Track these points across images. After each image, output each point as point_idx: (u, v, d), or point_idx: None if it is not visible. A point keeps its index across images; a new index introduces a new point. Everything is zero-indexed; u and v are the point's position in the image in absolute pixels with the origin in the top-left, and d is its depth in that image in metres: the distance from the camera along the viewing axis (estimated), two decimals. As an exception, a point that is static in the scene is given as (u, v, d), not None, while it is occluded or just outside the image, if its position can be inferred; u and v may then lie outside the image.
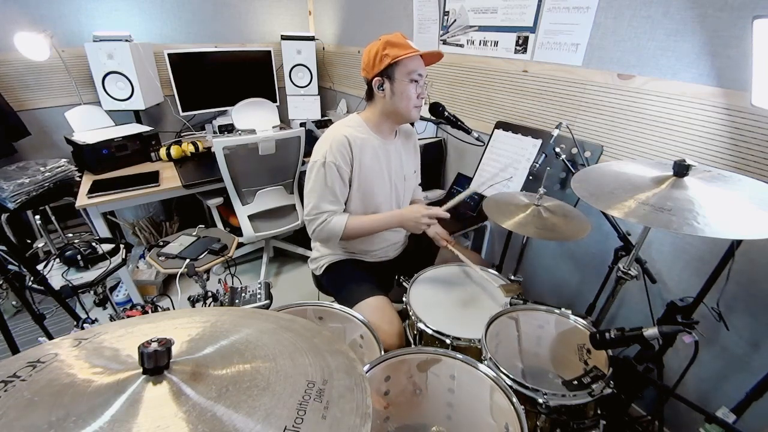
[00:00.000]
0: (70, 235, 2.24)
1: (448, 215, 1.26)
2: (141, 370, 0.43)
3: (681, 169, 0.86)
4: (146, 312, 1.12)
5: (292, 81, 2.76)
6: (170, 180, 1.95)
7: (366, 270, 1.41)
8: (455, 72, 1.94)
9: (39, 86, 2.21)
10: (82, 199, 1.72)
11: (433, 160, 2.11)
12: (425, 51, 1.21)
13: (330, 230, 1.25)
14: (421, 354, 0.97)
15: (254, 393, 0.43)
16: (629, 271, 1.10)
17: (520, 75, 1.64)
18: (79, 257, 1.27)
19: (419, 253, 1.55)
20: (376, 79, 1.21)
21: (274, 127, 2.41)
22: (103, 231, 1.81)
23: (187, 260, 1.27)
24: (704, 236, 0.71)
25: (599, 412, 0.94)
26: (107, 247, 1.36)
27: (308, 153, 2.21)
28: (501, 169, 1.61)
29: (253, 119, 2.41)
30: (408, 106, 1.23)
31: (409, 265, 1.43)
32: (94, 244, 1.34)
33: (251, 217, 2.08)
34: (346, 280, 1.39)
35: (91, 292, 1.29)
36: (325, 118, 2.79)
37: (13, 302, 2.00)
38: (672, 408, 1.33)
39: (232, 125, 2.47)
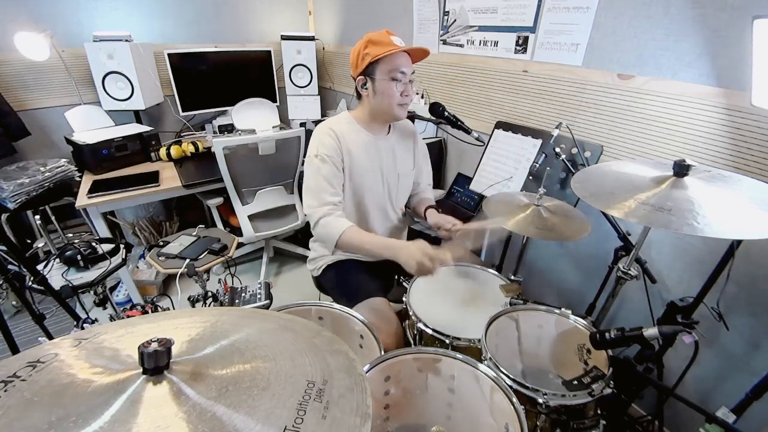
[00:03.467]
0: (70, 235, 2.25)
1: (452, 262, 1.06)
2: (141, 370, 0.43)
3: (681, 169, 0.86)
4: (146, 312, 1.12)
5: (292, 81, 2.76)
6: (170, 180, 1.95)
7: (365, 270, 1.40)
8: (455, 72, 1.94)
9: (39, 86, 2.21)
10: (82, 199, 1.72)
11: (433, 160, 2.10)
12: (406, 47, 1.18)
13: (329, 230, 1.20)
14: (421, 354, 0.97)
15: (254, 393, 0.43)
16: (629, 271, 1.10)
17: (520, 75, 1.64)
18: (79, 257, 1.27)
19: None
20: (359, 78, 1.21)
21: (274, 127, 2.41)
22: (103, 231, 1.81)
23: (187, 260, 1.27)
24: (704, 236, 0.71)
25: (599, 412, 0.94)
26: (107, 247, 1.36)
27: (308, 153, 2.22)
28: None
29: (253, 119, 2.41)
30: (391, 104, 1.22)
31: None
32: (94, 244, 1.34)
33: (251, 217, 2.08)
34: (344, 281, 1.38)
35: (91, 292, 1.29)
36: (325, 117, 2.78)
37: (13, 302, 2.00)
38: (672, 408, 1.33)
39: (232, 125, 2.47)
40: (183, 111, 2.51)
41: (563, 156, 1.34)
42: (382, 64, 1.16)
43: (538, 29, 1.51)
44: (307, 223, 2.25)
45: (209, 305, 1.19)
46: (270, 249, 2.53)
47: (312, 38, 2.72)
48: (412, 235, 1.58)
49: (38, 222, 1.33)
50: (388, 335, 1.16)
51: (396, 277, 1.35)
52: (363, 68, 1.18)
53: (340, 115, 1.32)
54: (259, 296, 1.20)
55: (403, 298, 1.22)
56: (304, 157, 2.06)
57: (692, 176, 0.86)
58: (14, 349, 1.17)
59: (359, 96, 1.28)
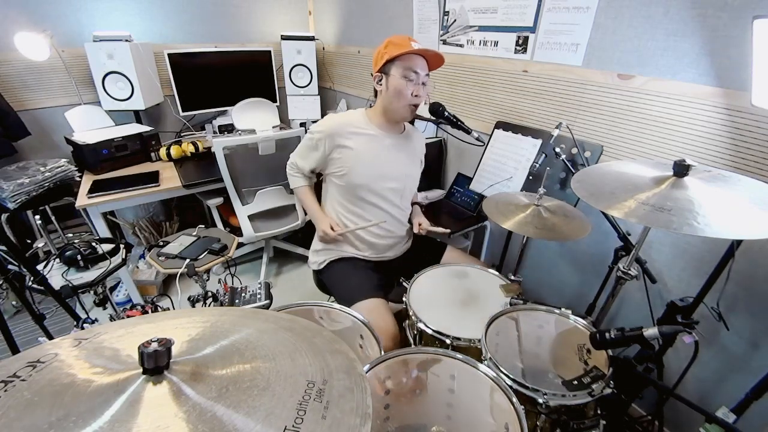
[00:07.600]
0: (70, 235, 2.24)
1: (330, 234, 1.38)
2: (141, 370, 0.43)
3: (681, 169, 0.86)
4: (146, 312, 1.12)
5: (292, 81, 2.75)
6: (170, 180, 1.95)
7: (367, 269, 1.41)
8: (455, 72, 1.94)
9: (39, 86, 2.20)
10: (82, 199, 1.72)
11: (433, 160, 2.10)
12: (421, 49, 1.22)
13: (290, 181, 1.49)
14: (421, 354, 0.97)
15: (254, 393, 0.43)
16: (629, 271, 1.10)
17: (520, 75, 1.63)
18: (79, 257, 1.26)
19: (423, 255, 1.54)
20: (376, 74, 1.29)
21: (274, 127, 2.40)
22: (103, 231, 1.81)
23: (187, 260, 1.27)
24: (704, 236, 0.71)
25: (599, 412, 0.94)
26: (107, 247, 1.36)
27: (308, 153, 2.22)
28: None
29: (253, 119, 2.40)
30: (400, 102, 1.27)
31: (412, 267, 1.42)
32: (94, 244, 1.34)
33: (251, 217, 2.08)
34: (345, 280, 1.39)
35: (91, 292, 1.28)
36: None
37: (13, 302, 2.00)
38: (672, 408, 1.33)
39: (232, 125, 2.47)
40: (183, 111, 2.51)
41: (563, 156, 1.34)
42: (398, 62, 1.24)
43: (538, 29, 1.51)
44: (308, 223, 2.27)
45: (209, 305, 1.19)
46: (270, 249, 2.53)
47: (312, 38, 2.72)
48: (418, 240, 1.59)
49: (38, 222, 1.33)
50: (385, 338, 1.16)
51: (397, 277, 1.35)
52: (381, 66, 1.26)
53: (353, 110, 1.41)
54: (259, 296, 1.21)
55: (404, 298, 1.22)
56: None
57: (692, 176, 0.86)
58: (14, 349, 1.17)
59: (376, 95, 1.36)
